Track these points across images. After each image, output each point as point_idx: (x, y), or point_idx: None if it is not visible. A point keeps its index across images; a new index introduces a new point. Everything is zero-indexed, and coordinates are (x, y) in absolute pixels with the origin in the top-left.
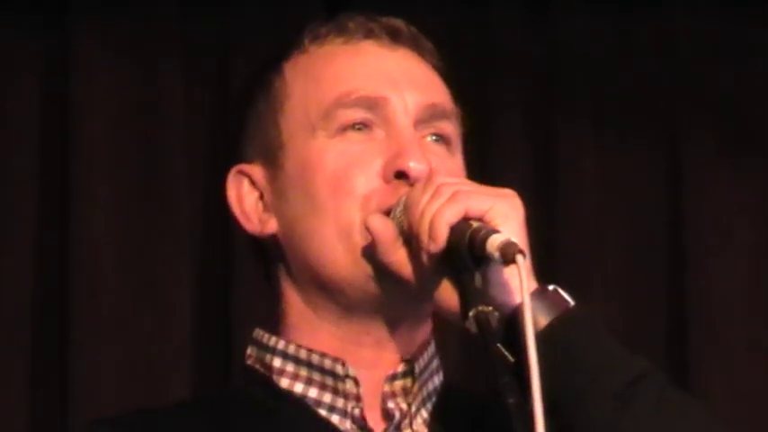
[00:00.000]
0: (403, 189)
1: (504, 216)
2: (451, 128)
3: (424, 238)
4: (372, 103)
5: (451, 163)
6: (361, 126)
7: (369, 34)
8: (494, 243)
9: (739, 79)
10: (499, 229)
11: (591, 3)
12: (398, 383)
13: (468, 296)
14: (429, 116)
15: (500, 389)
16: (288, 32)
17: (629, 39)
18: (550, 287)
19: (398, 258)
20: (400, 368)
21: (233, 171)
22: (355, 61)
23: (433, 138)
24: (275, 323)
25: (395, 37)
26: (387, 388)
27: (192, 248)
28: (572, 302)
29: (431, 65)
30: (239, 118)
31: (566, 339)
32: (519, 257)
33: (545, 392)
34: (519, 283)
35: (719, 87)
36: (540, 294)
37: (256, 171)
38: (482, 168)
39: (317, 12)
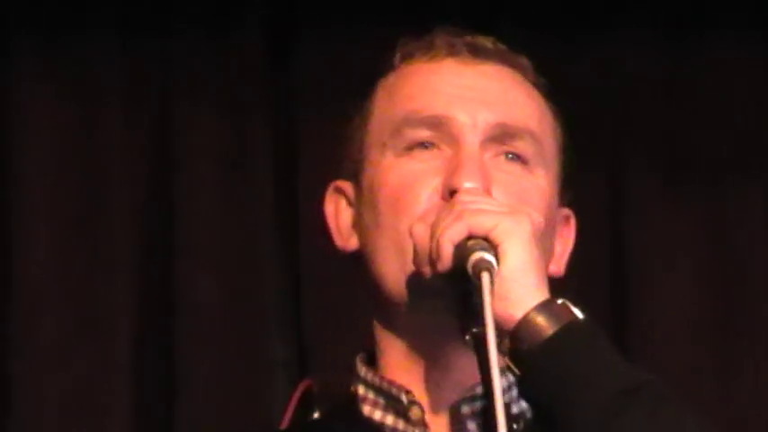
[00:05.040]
0: None
1: (508, 233)
2: (527, 146)
3: (434, 256)
4: (438, 122)
5: (527, 182)
6: (429, 144)
7: (451, 51)
8: (471, 261)
9: (680, 110)
10: (503, 246)
11: (532, 33)
12: (478, 404)
13: (467, 314)
14: (500, 134)
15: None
16: (228, 77)
17: (570, 70)
18: (559, 300)
19: (427, 270)
20: (479, 389)
21: (331, 187)
22: (432, 79)
23: (509, 156)
24: (371, 344)
25: (477, 53)
26: (466, 409)
27: (131, 282)
28: (580, 316)
29: (520, 78)
30: (344, 135)
31: (564, 350)
32: (484, 275)
33: (544, 403)
34: (485, 299)
35: (660, 118)
36: (545, 306)
37: (348, 188)
38: None
39: (256, 57)
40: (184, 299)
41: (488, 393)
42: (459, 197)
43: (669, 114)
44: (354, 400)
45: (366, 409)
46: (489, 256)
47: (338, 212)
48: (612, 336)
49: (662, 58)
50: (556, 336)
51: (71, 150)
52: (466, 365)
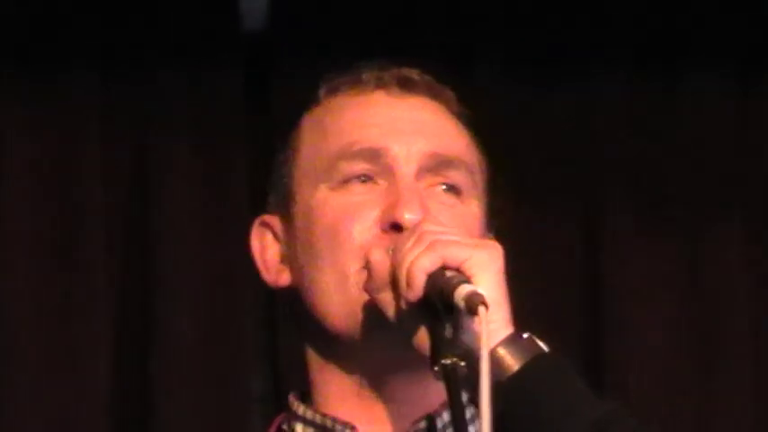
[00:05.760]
0: None
1: (481, 266)
2: (461, 176)
3: (403, 284)
4: (374, 154)
5: (461, 210)
6: (365, 178)
7: (379, 84)
8: (460, 293)
9: (656, 150)
10: (476, 278)
11: (507, 74)
12: None
13: (438, 345)
14: (435, 165)
15: None
16: (206, 112)
17: (545, 110)
18: (525, 335)
19: (384, 297)
20: (422, 424)
21: (257, 222)
22: (362, 113)
23: (443, 187)
24: (304, 384)
25: (405, 85)
26: None
27: (109, 312)
28: (546, 350)
29: (447, 112)
30: (269, 170)
31: (533, 385)
32: (481, 309)
33: None
34: (481, 333)
35: (635, 158)
36: (513, 341)
37: (276, 222)
38: None
39: (235, 92)
40: (161, 333)
41: (457, 424)
42: (424, 227)
43: (645, 153)
44: None
45: None
46: (481, 290)
47: (264, 247)
48: (587, 372)
49: (638, 98)
50: (523, 370)
51: (48, 183)
52: (412, 398)
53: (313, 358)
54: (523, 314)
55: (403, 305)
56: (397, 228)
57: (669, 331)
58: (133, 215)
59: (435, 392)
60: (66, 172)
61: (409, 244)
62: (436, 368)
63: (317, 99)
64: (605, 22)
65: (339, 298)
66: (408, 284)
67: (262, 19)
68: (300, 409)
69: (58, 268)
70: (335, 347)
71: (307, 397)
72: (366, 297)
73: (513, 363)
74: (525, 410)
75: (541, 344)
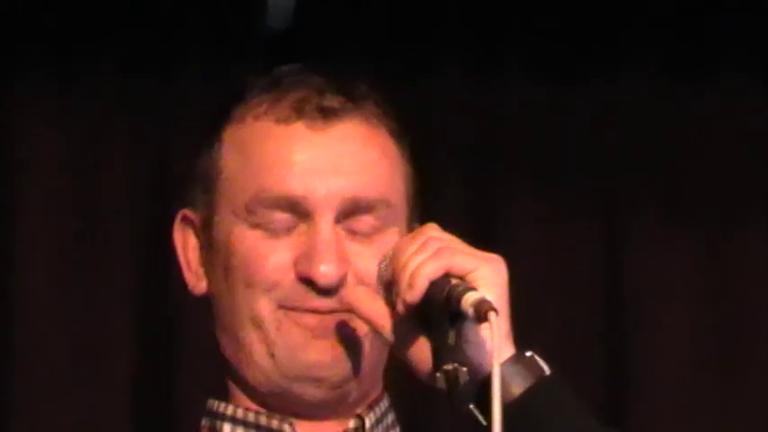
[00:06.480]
0: (312, 294)
1: (487, 279)
2: (380, 217)
3: (403, 286)
4: (291, 201)
5: (380, 244)
6: (282, 226)
7: (300, 115)
8: (468, 300)
9: (681, 149)
10: (480, 291)
11: (530, 74)
12: None
13: (441, 352)
14: (354, 209)
15: None
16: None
17: (568, 109)
18: (527, 353)
19: (376, 308)
20: (351, 424)
21: (180, 215)
22: (282, 148)
23: (362, 232)
24: (224, 388)
25: (327, 115)
26: None
27: (133, 311)
28: (547, 371)
29: (373, 134)
30: (190, 162)
31: (536, 412)
32: (492, 314)
33: None
34: (491, 339)
35: (658, 157)
36: (515, 361)
37: (197, 221)
38: None
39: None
40: (185, 330)
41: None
42: (430, 233)
43: (669, 153)
44: None
45: None
46: (490, 296)
47: (186, 246)
48: (611, 372)
49: (663, 97)
50: (526, 396)
51: (72, 181)
52: (345, 403)
53: (234, 368)
54: (546, 313)
55: (399, 309)
56: (311, 282)
57: (693, 330)
58: (158, 211)
59: (367, 395)
60: (91, 167)
61: (413, 248)
62: (438, 374)
63: (240, 117)
64: (631, 21)
65: (256, 337)
66: (409, 287)
67: (287, 18)
68: (229, 408)
69: (81, 264)
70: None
71: (227, 401)
72: (283, 338)
73: (516, 387)
74: None
75: (543, 364)
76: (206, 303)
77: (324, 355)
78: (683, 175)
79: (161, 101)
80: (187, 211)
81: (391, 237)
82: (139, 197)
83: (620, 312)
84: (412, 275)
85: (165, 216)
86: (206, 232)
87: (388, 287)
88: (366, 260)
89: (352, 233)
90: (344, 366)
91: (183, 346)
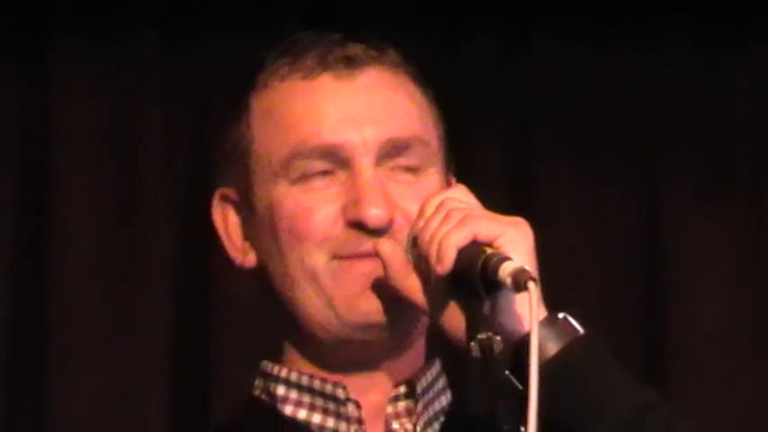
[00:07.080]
0: (364, 238)
1: (514, 243)
2: (417, 155)
3: (432, 260)
4: (329, 151)
5: (423, 185)
6: (323, 173)
7: (325, 67)
8: (506, 269)
9: (717, 115)
10: (509, 255)
11: (569, 39)
12: (402, 404)
13: (476, 322)
14: (391, 150)
15: (497, 416)
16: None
17: (607, 75)
18: (560, 315)
19: (410, 283)
20: (402, 389)
21: (217, 195)
22: (312, 102)
23: (402, 168)
24: (279, 353)
25: (352, 64)
26: (390, 409)
27: (170, 280)
28: (582, 331)
29: (397, 79)
30: (219, 142)
31: (573, 369)
32: (531, 284)
33: (552, 421)
34: (529, 310)
35: (698, 123)
36: (549, 323)
37: (235, 196)
38: None
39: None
40: (222, 292)
41: (493, 399)
42: (451, 204)
43: (706, 119)
44: (266, 405)
45: (288, 410)
46: (527, 266)
47: (228, 224)
48: (650, 336)
49: (699, 64)
50: (562, 355)
51: (108, 150)
52: (396, 368)
53: (291, 333)
54: (584, 282)
55: (432, 281)
56: (361, 226)
57: (729, 298)
58: (193, 175)
59: (415, 360)
60: (127, 132)
61: (436, 221)
62: (472, 343)
63: (265, 81)
64: None
65: (313, 291)
66: (439, 259)
67: None
68: (284, 371)
69: (118, 228)
70: (315, 343)
71: (282, 364)
72: (340, 288)
73: (551, 346)
74: (566, 396)
75: (577, 325)
76: (255, 276)
77: (380, 302)
78: (719, 140)
79: (196, 65)
80: (224, 189)
81: (431, 177)
82: (177, 167)
83: (656, 277)
84: (440, 247)
85: (204, 186)
86: (246, 204)
87: (418, 266)
88: (411, 201)
89: (394, 176)
90: (399, 310)
91: (219, 315)
